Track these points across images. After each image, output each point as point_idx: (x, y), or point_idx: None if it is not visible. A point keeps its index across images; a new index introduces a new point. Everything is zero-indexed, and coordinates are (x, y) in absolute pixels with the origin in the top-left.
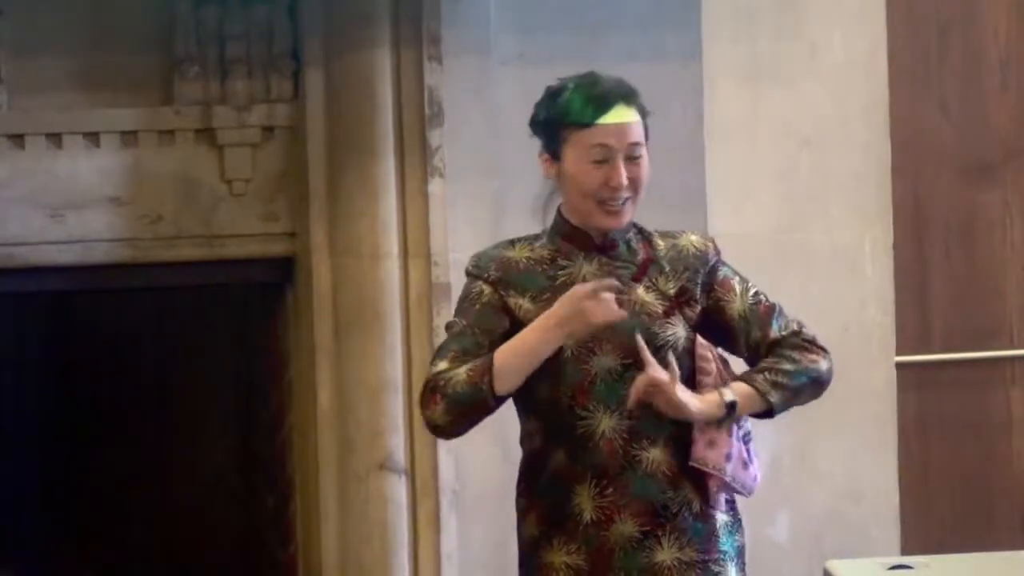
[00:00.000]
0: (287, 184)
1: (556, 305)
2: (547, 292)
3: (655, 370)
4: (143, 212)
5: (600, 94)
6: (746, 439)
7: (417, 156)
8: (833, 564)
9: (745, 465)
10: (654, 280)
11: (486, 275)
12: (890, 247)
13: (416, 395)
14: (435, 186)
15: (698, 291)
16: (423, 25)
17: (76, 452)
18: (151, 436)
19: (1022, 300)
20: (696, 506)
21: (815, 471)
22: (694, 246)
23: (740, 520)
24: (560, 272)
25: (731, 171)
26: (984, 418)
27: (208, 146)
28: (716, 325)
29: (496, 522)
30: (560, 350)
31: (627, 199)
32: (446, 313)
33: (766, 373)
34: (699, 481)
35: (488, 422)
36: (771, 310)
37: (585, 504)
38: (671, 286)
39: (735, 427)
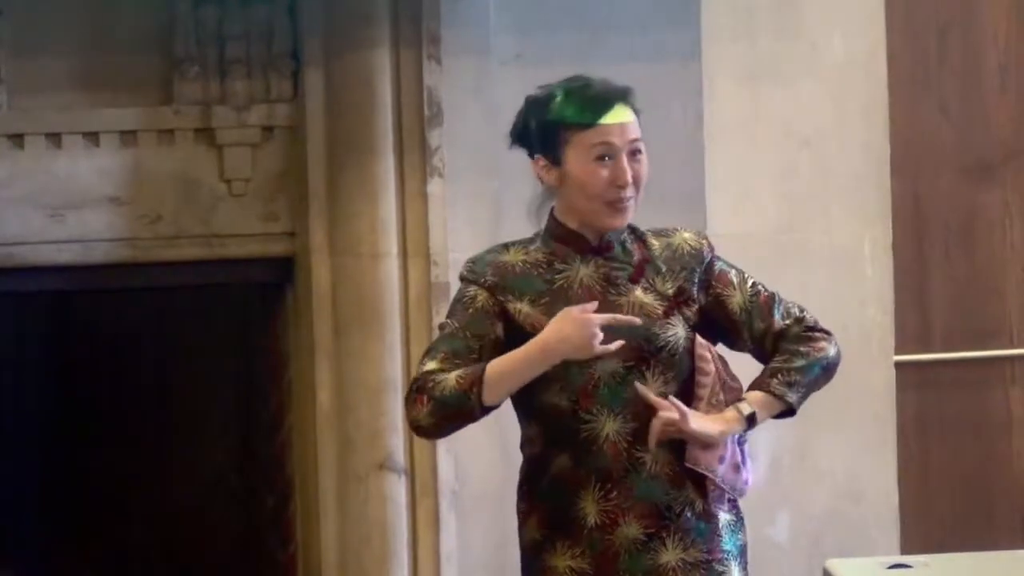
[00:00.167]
0: (287, 184)
1: (550, 326)
2: (545, 296)
3: (666, 410)
4: (143, 212)
5: (598, 94)
6: (740, 441)
7: (416, 156)
8: (833, 564)
9: (737, 468)
10: (651, 281)
11: (482, 280)
12: (890, 247)
13: None
14: (434, 186)
15: (695, 290)
16: (423, 25)
17: (76, 452)
18: (151, 436)
19: (1022, 300)
20: (699, 506)
21: (815, 471)
22: (688, 244)
23: (742, 519)
24: (557, 276)
25: (731, 171)
26: (984, 418)
27: (208, 146)
28: (718, 320)
29: (496, 522)
30: None
31: (630, 197)
32: (445, 312)
33: (779, 375)
34: (700, 481)
35: (488, 422)
36: (771, 299)
37: (590, 508)
38: (669, 286)
39: None
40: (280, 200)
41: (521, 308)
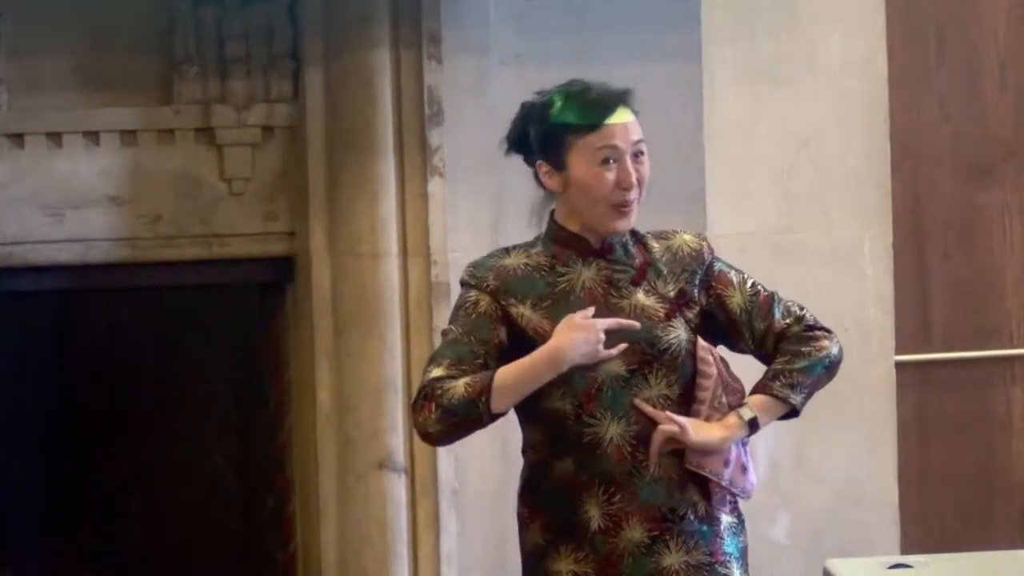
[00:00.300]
0: (287, 184)
1: (557, 335)
2: (547, 299)
3: (667, 423)
4: (143, 211)
5: (599, 97)
6: (743, 442)
7: (417, 156)
8: (833, 563)
9: (744, 470)
10: (653, 283)
11: (484, 285)
12: (889, 247)
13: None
14: (435, 186)
15: (696, 292)
16: (422, 25)
17: (76, 452)
18: (151, 436)
19: (1022, 300)
20: (701, 508)
21: (815, 471)
22: (688, 246)
23: (743, 521)
24: (560, 279)
25: (731, 171)
26: (984, 417)
27: (208, 145)
28: (719, 321)
29: (496, 522)
30: None
31: (635, 200)
32: (446, 312)
33: (781, 377)
34: (703, 484)
35: None
36: (770, 299)
37: (593, 512)
38: (670, 289)
39: None
40: (280, 200)
41: (523, 312)
